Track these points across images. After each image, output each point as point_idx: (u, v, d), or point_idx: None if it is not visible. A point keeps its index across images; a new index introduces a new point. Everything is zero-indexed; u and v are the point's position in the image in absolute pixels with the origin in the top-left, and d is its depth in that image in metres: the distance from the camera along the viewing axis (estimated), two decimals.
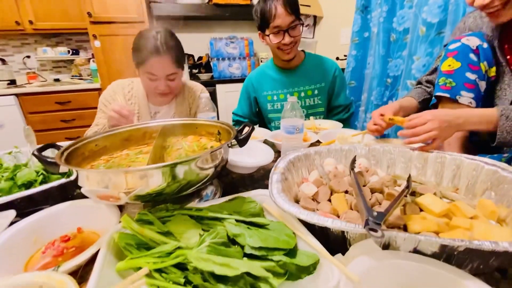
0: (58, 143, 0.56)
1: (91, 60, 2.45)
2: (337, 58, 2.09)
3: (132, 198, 0.43)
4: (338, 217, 0.48)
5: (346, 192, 0.53)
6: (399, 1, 1.54)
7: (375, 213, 0.33)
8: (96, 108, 1.02)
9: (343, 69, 1.48)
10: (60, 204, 0.50)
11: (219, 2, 2.45)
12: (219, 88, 2.47)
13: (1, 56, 2.42)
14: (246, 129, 0.60)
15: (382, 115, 0.75)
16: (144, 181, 0.42)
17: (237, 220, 0.41)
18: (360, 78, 1.83)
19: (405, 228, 0.41)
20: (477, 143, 0.80)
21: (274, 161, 0.79)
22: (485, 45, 0.71)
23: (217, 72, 2.59)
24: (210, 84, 2.46)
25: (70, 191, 0.57)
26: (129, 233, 0.39)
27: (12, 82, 2.37)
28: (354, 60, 1.81)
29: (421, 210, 0.47)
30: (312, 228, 0.40)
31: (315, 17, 2.45)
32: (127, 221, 0.39)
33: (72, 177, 0.46)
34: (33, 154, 0.45)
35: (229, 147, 0.55)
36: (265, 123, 1.38)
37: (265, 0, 1.01)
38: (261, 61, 2.83)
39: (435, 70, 0.88)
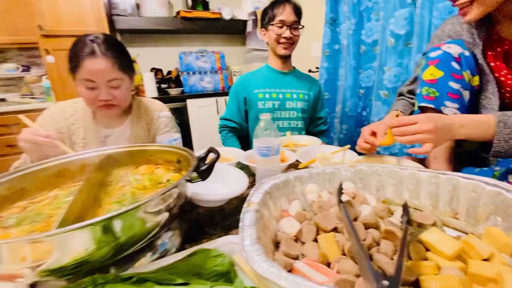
0: None
1: (44, 77, 2.21)
2: (310, 71, 2.08)
3: (41, 275, 0.30)
4: (329, 265, 0.38)
5: (335, 229, 0.44)
6: (366, 14, 1.55)
7: (385, 283, 0.23)
8: None
9: None
10: None
11: (187, 15, 2.36)
12: (190, 103, 2.34)
13: None
14: (211, 156, 0.49)
15: (374, 132, 0.69)
16: (57, 249, 0.29)
17: None
18: (333, 90, 1.81)
19: (415, 284, 0.32)
20: (462, 155, 0.76)
21: (250, 187, 0.69)
22: (467, 53, 0.68)
23: (188, 86, 2.47)
24: (180, 99, 2.33)
25: None
26: None
27: None
28: (326, 72, 1.79)
29: (427, 249, 0.38)
30: None
31: None
32: None
33: None
34: None
35: (188, 181, 0.44)
36: (248, 133, 1.31)
37: (277, 1, 1.15)
38: (234, 75, 2.76)
39: (415, 79, 0.84)
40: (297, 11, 1.15)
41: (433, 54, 0.70)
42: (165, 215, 0.39)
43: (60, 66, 2.02)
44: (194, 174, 0.44)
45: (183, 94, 2.44)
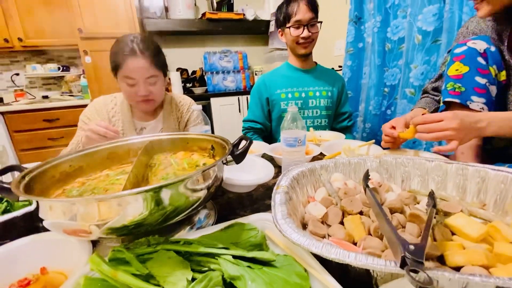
0: (26, 165, 0.48)
1: (81, 76, 2.39)
2: (332, 69, 2.08)
3: (105, 232, 0.35)
4: (355, 244, 0.41)
5: (361, 213, 0.46)
6: (393, 11, 1.53)
7: (411, 247, 0.26)
8: None
9: None
10: (20, 239, 0.42)
11: (212, 17, 2.45)
12: (214, 101, 2.42)
13: None
14: (243, 143, 0.53)
15: (393, 127, 0.69)
16: (120, 210, 0.35)
17: (235, 257, 0.33)
18: (357, 88, 1.80)
19: (440, 259, 0.34)
20: (491, 151, 0.75)
21: (275, 177, 0.72)
22: (493, 48, 0.67)
23: (212, 85, 2.56)
24: (204, 98, 2.42)
25: (38, 221, 0.48)
26: (99, 277, 0.31)
27: None
28: (350, 70, 1.79)
29: (452, 233, 0.39)
30: (325, 260, 0.32)
31: None
32: (95, 262, 0.31)
33: (32, 207, 0.38)
34: None
35: (224, 164, 0.48)
36: (271, 133, 1.32)
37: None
38: (256, 74, 2.81)
39: (440, 76, 0.84)
40: (313, 6, 1.09)
41: (458, 50, 0.70)
42: (204, 192, 0.44)
43: (96, 66, 2.17)
44: (229, 158, 0.48)
45: (206, 93, 2.53)
